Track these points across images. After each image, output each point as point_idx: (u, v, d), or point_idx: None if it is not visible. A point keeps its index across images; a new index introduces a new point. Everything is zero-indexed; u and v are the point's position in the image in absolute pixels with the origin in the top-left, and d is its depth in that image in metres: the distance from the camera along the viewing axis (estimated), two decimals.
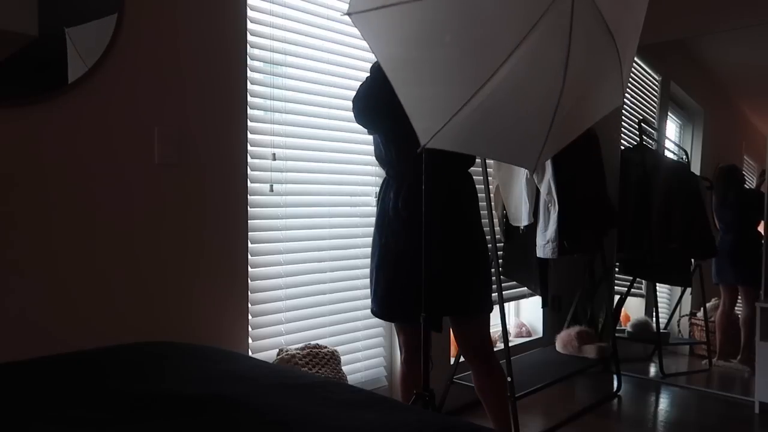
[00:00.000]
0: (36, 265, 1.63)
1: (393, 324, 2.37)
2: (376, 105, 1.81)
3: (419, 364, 1.81)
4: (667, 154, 3.75)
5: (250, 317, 2.14)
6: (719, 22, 3.28)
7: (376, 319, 2.10)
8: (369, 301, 2.03)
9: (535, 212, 2.87)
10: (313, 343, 2.25)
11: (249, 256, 2.13)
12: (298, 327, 2.32)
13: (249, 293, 2.13)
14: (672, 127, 3.73)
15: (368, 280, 2.04)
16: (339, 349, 2.32)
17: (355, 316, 2.53)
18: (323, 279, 2.41)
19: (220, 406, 1.04)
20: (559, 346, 3.32)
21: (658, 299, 3.62)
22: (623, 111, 3.64)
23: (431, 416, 1.15)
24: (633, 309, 3.82)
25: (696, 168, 3.59)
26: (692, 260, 3.63)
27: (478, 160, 2.64)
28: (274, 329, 2.26)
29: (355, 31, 2.50)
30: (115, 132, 1.77)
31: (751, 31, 3.20)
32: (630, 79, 3.62)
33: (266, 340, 2.22)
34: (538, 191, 2.86)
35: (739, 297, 3.40)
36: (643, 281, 3.74)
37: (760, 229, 3.22)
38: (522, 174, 2.90)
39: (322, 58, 2.37)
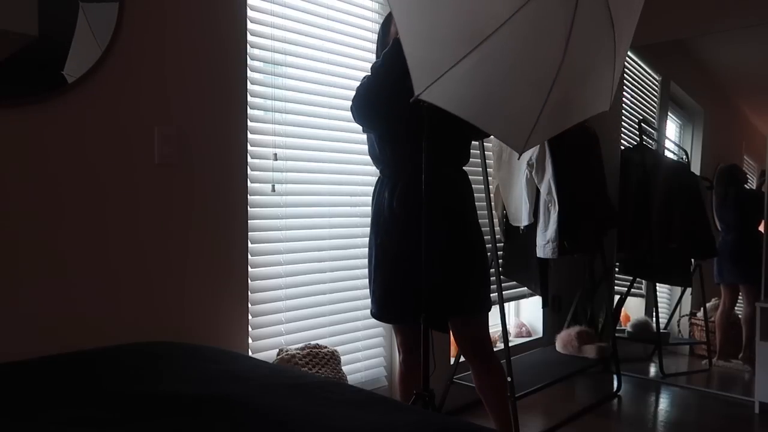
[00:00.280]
0: (36, 265, 1.63)
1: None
2: (375, 104, 1.82)
3: (417, 364, 1.81)
4: (667, 154, 3.75)
5: (250, 317, 2.14)
6: (719, 22, 3.28)
7: None
8: (369, 301, 2.03)
9: (535, 212, 2.87)
10: (313, 343, 2.25)
11: (249, 256, 2.13)
12: (298, 327, 2.32)
13: (249, 293, 2.13)
14: (672, 127, 3.73)
15: (368, 281, 2.04)
16: (339, 349, 2.32)
17: (355, 316, 2.53)
18: (323, 279, 2.41)
19: (220, 406, 1.04)
20: (559, 346, 3.32)
21: (658, 299, 3.62)
22: (623, 111, 3.64)
23: (431, 416, 1.15)
24: (633, 309, 3.82)
25: (696, 168, 3.59)
26: (692, 260, 3.63)
27: (477, 160, 2.65)
28: (274, 329, 2.26)
29: (355, 31, 2.52)
30: (115, 132, 1.77)
31: (751, 31, 3.20)
32: (630, 79, 3.64)
33: (266, 340, 2.22)
34: (538, 191, 2.87)
35: (741, 296, 3.41)
36: (643, 281, 3.74)
37: (761, 228, 3.22)
38: (522, 174, 2.90)
39: (323, 58, 2.37)
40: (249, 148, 2.12)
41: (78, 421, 0.97)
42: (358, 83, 1.89)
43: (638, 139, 3.58)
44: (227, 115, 2.04)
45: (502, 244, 3.06)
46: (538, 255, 2.87)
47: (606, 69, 1.50)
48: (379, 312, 1.97)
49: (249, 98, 2.11)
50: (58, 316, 1.65)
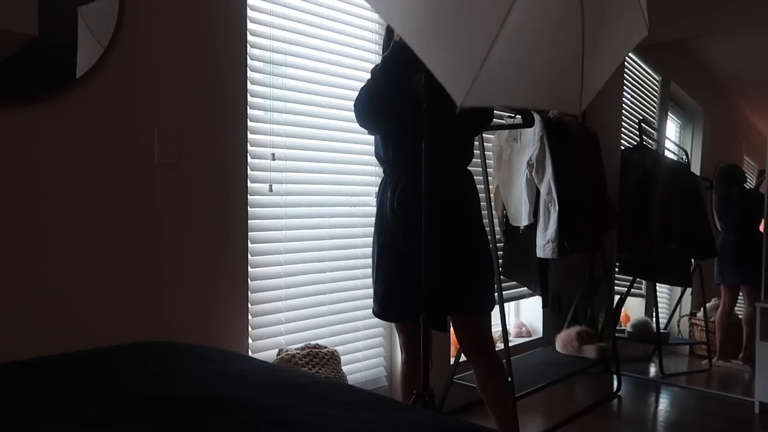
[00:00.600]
0: (36, 265, 1.63)
1: (393, 324, 2.37)
2: (376, 106, 1.83)
3: (419, 365, 1.81)
4: (667, 154, 3.75)
5: (250, 317, 2.14)
6: (719, 23, 3.28)
7: (376, 319, 2.10)
8: (369, 301, 2.03)
9: (535, 212, 2.87)
10: (313, 343, 2.25)
11: (249, 256, 2.13)
12: (298, 327, 2.32)
13: (249, 293, 2.13)
14: (672, 127, 3.73)
15: (368, 280, 2.04)
16: (339, 349, 2.32)
17: (355, 316, 2.53)
18: (323, 279, 2.41)
19: (220, 407, 1.04)
20: (559, 346, 3.32)
21: (658, 299, 3.62)
22: (623, 111, 3.65)
23: (431, 416, 1.15)
24: (633, 309, 3.82)
25: (696, 168, 3.59)
26: (692, 260, 3.63)
27: (477, 160, 2.65)
28: (274, 329, 2.25)
29: (355, 31, 2.52)
30: (115, 132, 1.77)
31: (750, 31, 3.20)
32: (630, 79, 3.64)
33: (266, 340, 2.22)
34: (538, 191, 2.87)
35: (741, 296, 3.41)
36: (643, 281, 3.74)
37: (761, 228, 3.22)
38: (522, 174, 2.91)
39: (322, 58, 2.37)
40: (249, 148, 2.12)
41: (77, 421, 0.97)
42: (357, 83, 1.90)
43: (638, 139, 3.58)
44: (227, 115, 2.04)
45: (502, 244, 3.06)
46: (538, 255, 2.87)
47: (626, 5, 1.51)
48: (381, 310, 1.98)
49: (249, 98, 2.11)
50: (59, 316, 1.65)
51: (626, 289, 3.67)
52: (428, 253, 1.73)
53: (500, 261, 2.88)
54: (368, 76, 1.88)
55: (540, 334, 3.61)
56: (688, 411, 3.03)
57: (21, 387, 1.13)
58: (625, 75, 3.59)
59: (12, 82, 1.56)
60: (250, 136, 2.12)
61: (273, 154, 2.22)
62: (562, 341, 3.31)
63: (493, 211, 2.87)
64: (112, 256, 1.77)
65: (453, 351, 2.90)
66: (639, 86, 3.67)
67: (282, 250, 2.27)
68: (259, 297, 2.19)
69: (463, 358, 2.61)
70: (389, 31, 1.97)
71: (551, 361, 3.16)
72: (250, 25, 2.11)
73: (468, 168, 1.99)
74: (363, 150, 2.52)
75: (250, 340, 2.15)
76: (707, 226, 3.47)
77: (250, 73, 2.11)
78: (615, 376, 3.21)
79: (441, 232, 1.81)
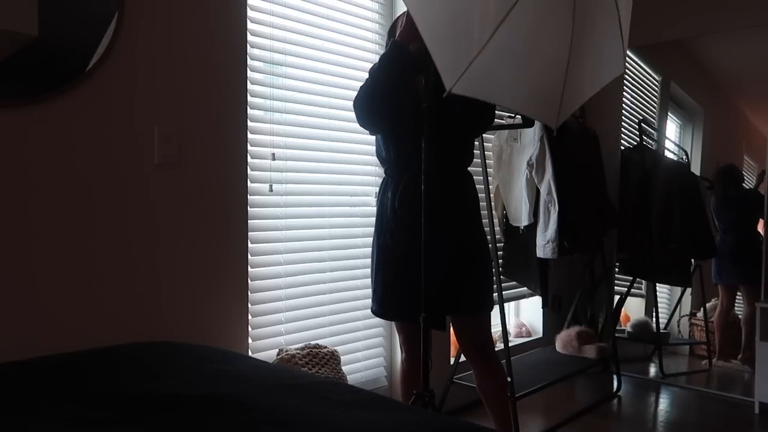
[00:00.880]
0: (36, 265, 1.63)
1: (393, 323, 2.37)
2: (375, 105, 1.83)
3: (419, 364, 1.81)
4: (667, 154, 3.75)
5: (250, 317, 2.14)
6: (719, 23, 3.28)
7: (376, 318, 2.10)
8: (369, 301, 2.03)
9: (535, 212, 2.87)
10: (313, 343, 2.25)
11: (249, 256, 2.13)
12: (298, 327, 2.32)
13: (249, 293, 2.13)
14: (672, 127, 3.73)
15: (368, 280, 2.04)
16: (339, 349, 2.32)
17: (355, 316, 2.53)
18: (323, 279, 2.41)
19: (220, 407, 1.04)
20: (559, 346, 3.32)
21: (658, 299, 3.62)
22: (623, 111, 3.65)
23: (431, 416, 1.15)
24: (633, 309, 3.82)
25: (696, 168, 3.59)
26: (692, 260, 3.63)
27: (477, 160, 2.65)
28: (274, 329, 2.25)
29: (355, 31, 2.52)
30: (115, 132, 1.77)
31: (750, 31, 3.20)
32: (630, 79, 3.64)
33: (266, 340, 2.22)
34: (538, 191, 2.87)
35: (740, 296, 3.41)
36: (643, 281, 3.74)
37: (760, 228, 3.22)
38: (522, 174, 2.91)
39: (322, 58, 2.37)
40: (249, 148, 2.12)
41: (76, 421, 0.97)
42: (357, 83, 1.90)
43: (638, 139, 3.58)
44: (227, 115, 2.04)
45: (502, 244, 3.06)
46: (538, 255, 2.87)
47: (612, 34, 1.61)
48: (380, 309, 1.98)
49: (249, 98, 2.11)
50: (59, 316, 1.65)
51: (626, 289, 3.67)
52: (428, 253, 1.73)
53: (500, 261, 2.88)
54: (368, 76, 1.88)
55: (540, 334, 3.61)
56: (688, 411, 3.03)
57: (21, 387, 1.13)
58: (625, 75, 3.59)
59: (12, 81, 1.56)
60: (250, 136, 2.12)
61: (273, 154, 2.22)
62: (562, 341, 3.31)
63: (493, 211, 2.87)
64: (112, 256, 1.77)
65: (453, 351, 2.90)
66: (639, 86, 3.67)
67: (282, 250, 2.27)
68: (259, 297, 2.19)
69: (462, 358, 2.61)
70: (391, 34, 1.97)
71: (551, 361, 3.16)
72: (250, 25, 2.11)
73: (468, 168, 1.99)
74: (363, 150, 2.52)
75: (250, 340, 2.15)
76: (707, 227, 3.47)
77: (250, 73, 2.11)
78: (615, 376, 3.22)
79: (441, 232, 1.81)
